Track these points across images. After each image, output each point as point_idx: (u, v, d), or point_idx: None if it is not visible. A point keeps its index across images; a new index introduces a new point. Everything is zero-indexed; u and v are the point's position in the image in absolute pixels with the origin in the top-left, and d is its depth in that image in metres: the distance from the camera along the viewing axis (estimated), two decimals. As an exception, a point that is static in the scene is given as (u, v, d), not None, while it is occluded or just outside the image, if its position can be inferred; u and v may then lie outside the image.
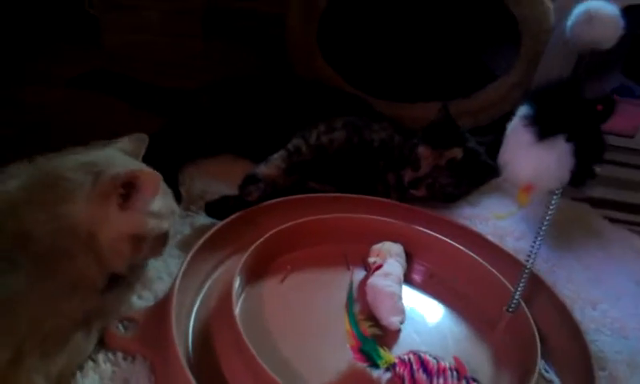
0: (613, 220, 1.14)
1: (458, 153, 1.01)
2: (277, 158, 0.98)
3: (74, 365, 0.60)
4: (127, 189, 0.64)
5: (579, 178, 0.71)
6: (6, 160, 1.01)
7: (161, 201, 0.71)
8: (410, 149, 1.03)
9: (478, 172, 1.03)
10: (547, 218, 0.68)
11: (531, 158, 0.62)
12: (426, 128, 1.07)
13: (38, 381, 0.54)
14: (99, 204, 0.63)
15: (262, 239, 0.78)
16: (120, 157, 0.72)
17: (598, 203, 1.21)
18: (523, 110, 0.64)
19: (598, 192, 1.27)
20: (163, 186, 0.71)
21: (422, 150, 1.02)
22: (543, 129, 0.61)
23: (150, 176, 0.66)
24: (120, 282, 0.71)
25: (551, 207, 0.67)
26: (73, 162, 0.65)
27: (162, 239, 0.74)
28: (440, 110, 1.07)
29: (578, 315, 0.82)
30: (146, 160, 0.77)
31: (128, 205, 0.65)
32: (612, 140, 1.58)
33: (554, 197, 0.66)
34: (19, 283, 0.55)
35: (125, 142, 0.76)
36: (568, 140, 0.61)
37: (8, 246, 0.57)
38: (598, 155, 0.63)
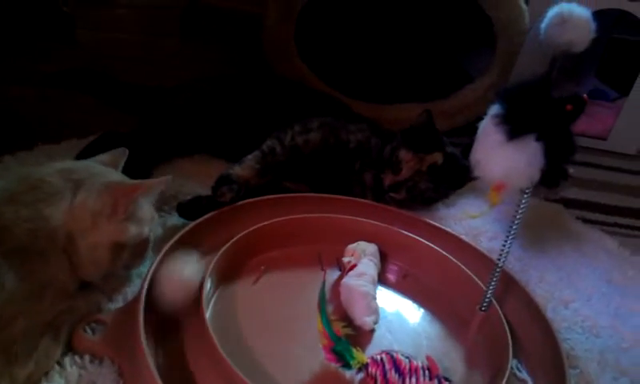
0: (586, 220, 1.16)
1: (438, 157, 1.02)
2: (251, 159, 0.97)
3: (42, 370, 0.58)
4: (130, 201, 0.66)
5: (552, 178, 0.72)
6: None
7: (143, 207, 0.71)
8: (391, 152, 1.03)
9: (457, 176, 1.04)
10: (518, 216, 0.68)
11: (502, 156, 0.62)
12: (406, 131, 1.07)
13: None
14: (91, 213, 0.64)
15: (233, 240, 0.77)
16: (97, 167, 0.71)
17: (571, 204, 1.23)
18: (494, 109, 0.64)
19: (571, 193, 1.29)
20: None
21: (404, 154, 1.02)
22: (513, 128, 0.61)
23: (154, 184, 0.69)
24: (91, 286, 0.70)
25: (522, 206, 0.67)
26: (48, 167, 0.66)
27: (142, 246, 0.73)
28: (421, 115, 1.07)
29: (550, 314, 0.83)
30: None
31: (120, 215, 0.66)
32: (585, 142, 1.61)
33: (525, 196, 0.66)
34: None
35: (104, 156, 0.76)
36: (538, 139, 0.61)
37: None
38: (568, 155, 0.64)
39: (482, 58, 1.59)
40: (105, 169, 0.72)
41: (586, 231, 1.09)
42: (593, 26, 0.98)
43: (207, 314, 0.65)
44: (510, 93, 0.64)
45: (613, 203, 1.29)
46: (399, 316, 0.78)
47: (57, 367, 0.59)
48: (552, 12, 1.01)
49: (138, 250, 0.72)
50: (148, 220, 0.72)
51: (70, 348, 0.62)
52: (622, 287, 0.92)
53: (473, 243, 0.91)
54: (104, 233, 0.65)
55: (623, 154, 1.62)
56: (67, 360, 0.60)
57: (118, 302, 0.71)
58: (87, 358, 0.61)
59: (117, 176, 0.72)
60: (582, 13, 0.99)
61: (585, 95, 0.62)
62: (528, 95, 0.63)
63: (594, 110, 1.72)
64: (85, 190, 0.64)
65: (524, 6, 1.41)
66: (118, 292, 0.73)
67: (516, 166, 0.62)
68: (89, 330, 0.64)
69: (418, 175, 1.01)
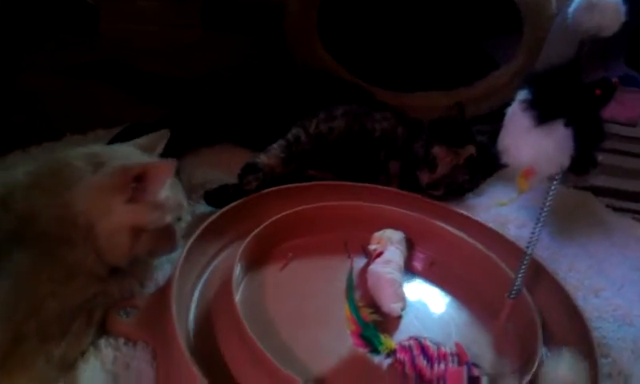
0: (616, 208, 1.14)
1: (472, 149, 1.01)
2: (276, 148, 0.98)
3: (75, 350, 0.60)
4: (138, 182, 0.65)
5: (581, 165, 0.71)
6: (7, 147, 1.02)
7: (166, 192, 0.70)
8: (424, 148, 1.02)
9: (491, 164, 1.03)
10: (547, 204, 0.67)
11: (530, 142, 0.62)
12: (435, 124, 1.06)
13: (39, 363, 0.55)
14: (103, 196, 0.63)
15: (261, 227, 0.78)
16: (123, 149, 0.72)
17: (600, 192, 1.21)
18: (522, 95, 0.63)
19: (600, 181, 1.26)
20: (172, 177, 0.71)
21: (438, 151, 1.01)
22: (542, 113, 0.61)
23: (162, 167, 0.66)
24: (122, 272, 0.71)
25: (551, 193, 0.66)
26: (76, 152, 0.67)
27: (166, 233, 0.71)
28: (452, 107, 1.06)
29: (580, 303, 0.81)
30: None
31: (136, 198, 0.65)
32: (615, 129, 1.57)
33: (554, 182, 0.65)
34: (22, 263, 0.56)
35: (142, 139, 0.76)
36: (567, 124, 0.60)
37: (15, 226, 0.58)
38: (598, 140, 0.62)
39: (507, 44, 1.56)
40: (133, 152, 0.72)
41: (616, 219, 1.07)
42: (622, 9, 0.96)
43: (236, 299, 0.66)
44: (539, 77, 0.63)
45: (642, 190, 1.26)
46: (426, 303, 0.78)
47: (92, 349, 0.61)
48: (579, -4, 0.99)
49: (162, 236, 0.71)
50: (171, 207, 0.70)
51: (105, 331, 0.64)
52: (654, 276, 0.91)
53: (500, 231, 0.90)
54: (119, 216, 0.64)
55: (654, 141, 1.58)
56: (102, 342, 0.62)
57: (151, 288, 0.73)
58: (121, 340, 0.63)
59: (142, 158, 0.71)
60: (612, -3, 0.97)
61: (615, 79, 0.61)
62: (557, 79, 0.62)
63: (623, 96, 1.68)
64: (99, 173, 0.64)
65: (551, -10, 1.38)
66: (149, 277, 0.74)
67: (545, 151, 0.61)
68: (123, 314, 0.66)
69: (455, 169, 1.01)
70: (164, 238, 0.72)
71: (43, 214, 0.60)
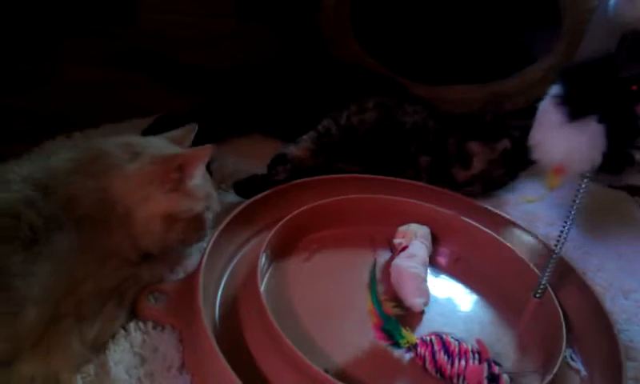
0: (652, 209, 1.10)
1: (507, 143, 1.00)
2: (306, 139, 0.99)
3: (107, 332, 0.63)
4: (178, 172, 0.68)
5: (616, 163, 0.69)
6: (46, 135, 1.07)
7: (197, 182, 0.72)
8: (457, 145, 1.02)
9: (526, 158, 1.02)
10: (577, 202, 0.66)
11: (562, 138, 0.61)
12: (466, 119, 1.05)
13: (74, 342, 0.57)
14: (143, 184, 0.67)
15: (287, 218, 0.79)
16: (155, 141, 0.75)
17: (637, 191, 1.17)
18: (555, 89, 0.62)
19: (637, 180, 1.22)
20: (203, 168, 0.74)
21: (474, 146, 1.00)
22: (574, 109, 0.59)
23: (202, 153, 0.70)
24: (153, 258, 0.74)
25: (581, 192, 0.65)
26: (111, 141, 0.70)
27: (197, 222, 0.74)
28: (488, 102, 1.05)
29: (609, 304, 0.80)
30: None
31: (174, 187, 0.69)
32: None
33: (585, 180, 0.64)
34: (62, 246, 0.59)
35: (174, 132, 0.80)
36: (600, 121, 0.59)
37: (58, 208, 0.61)
38: (633, 138, 0.61)
39: (545, 37, 1.52)
40: (166, 144, 0.75)
41: (652, 220, 1.04)
42: (668, 0, 0.92)
43: (261, 288, 0.68)
44: (572, 72, 0.62)
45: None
46: (450, 299, 0.78)
47: (122, 331, 0.64)
48: (622, -13, 0.96)
49: (193, 225, 0.73)
50: (202, 197, 0.73)
51: (134, 315, 0.66)
52: (688, 279, 0.88)
53: (528, 228, 0.89)
54: (156, 204, 0.68)
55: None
56: (132, 325, 0.64)
57: (179, 274, 0.75)
58: (150, 324, 0.65)
59: (176, 149, 0.74)
60: (657, -15, 0.94)
61: (654, 75, 0.59)
62: (590, 75, 0.61)
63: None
64: (138, 162, 0.68)
65: (592, -18, 1.34)
66: (178, 264, 0.77)
67: (577, 148, 0.60)
68: (152, 299, 0.68)
69: (491, 164, 1.00)
70: (194, 228, 0.74)
71: (83, 199, 0.63)
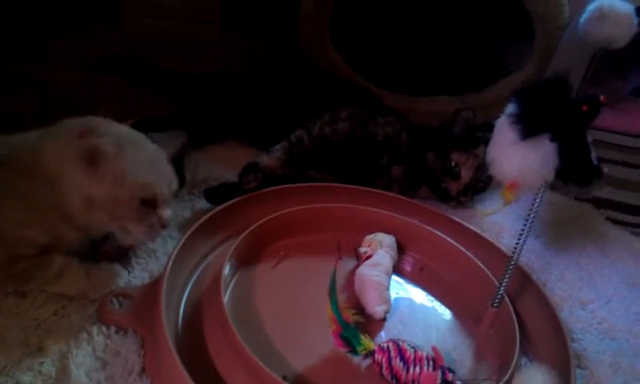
0: (616, 221, 1.14)
1: (484, 148, 1.02)
2: (279, 149, 1.00)
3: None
4: (92, 161, 0.67)
5: (583, 176, 0.71)
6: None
7: (122, 168, 0.68)
8: (440, 158, 1.04)
9: None
10: (532, 216, 0.68)
11: (516, 155, 0.63)
12: (438, 134, 1.07)
13: None
14: (69, 159, 0.67)
15: (253, 226, 0.80)
16: (113, 126, 0.74)
17: (603, 204, 1.20)
18: (510, 108, 0.64)
19: (604, 193, 1.26)
20: (144, 156, 0.72)
21: (458, 157, 1.03)
22: (528, 127, 0.62)
23: (107, 148, 0.67)
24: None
25: (536, 205, 0.68)
26: (79, 119, 0.72)
27: (125, 212, 0.70)
28: (465, 112, 1.07)
29: (566, 314, 0.83)
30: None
31: (91, 174, 0.67)
32: (624, 141, 1.56)
33: (539, 195, 0.67)
34: None
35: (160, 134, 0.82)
36: (552, 139, 0.62)
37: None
38: (582, 156, 0.63)
39: (520, 51, 1.56)
40: (117, 127, 0.75)
41: (614, 232, 1.07)
42: (634, 21, 0.96)
43: (226, 296, 0.69)
44: (527, 92, 0.65)
45: (648, 205, 1.25)
46: (412, 307, 0.80)
47: (85, 335, 0.64)
48: (591, 6, 0.99)
49: (123, 213, 0.69)
50: (130, 183, 0.69)
51: (97, 318, 0.67)
52: (646, 291, 0.91)
53: (492, 240, 0.91)
54: (73, 182, 0.68)
55: (665, 154, 1.56)
56: (95, 329, 0.65)
57: (145, 279, 0.76)
58: (113, 328, 0.66)
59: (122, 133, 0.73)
60: (623, 8, 0.97)
61: (602, 96, 0.62)
62: (544, 95, 0.63)
63: (635, 107, 1.66)
64: (75, 140, 0.68)
65: (564, 0, 1.38)
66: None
67: (530, 165, 0.63)
68: (116, 303, 0.69)
69: (477, 171, 1.03)
70: (127, 218, 0.70)
71: (26, 152, 0.68)
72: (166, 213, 0.73)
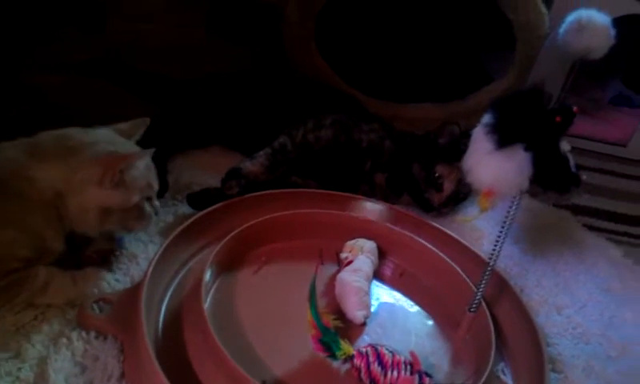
0: (593, 228, 1.16)
1: None
2: (262, 155, 1.01)
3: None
4: (118, 174, 0.71)
5: (562, 184, 0.73)
6: (11, 140, 1.06)
7: (134, 175, 0.75)
8: (426, 171, 1.05)
9: None
10: (507, 223, 0.70)
11: (491, 164, 0.64)
12: (423, 144, 1.08)
13: None
14: (81, 179, 0.70)
15: (234, 232, 0.81)
16: (103, 133, 0.77)
17: (581, 211, 1.23)
18: (485, 118, 0.66)
19: (582, 200, 1.28)
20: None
21: (442, 170, 1.04)
22: (502, 137, 0.63)
23: (139, 155, 0.74)
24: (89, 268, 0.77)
25: (511, 213, 0.69)
26: (49, 133, 0.74)
27: (135, 211, 0.77)
28: (452, 127, 1.07)
29: (542, 319, 0.85)
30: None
31: (113, 186, 0.72)
32: (604, 148, 1.59)
33: (514, 203, 0.68)
34: None
35: (123, 124, 0.83)
36: (527, 149, 0.63)
37: None
38: (556, 165, 0.65)
39: (503, 60, 1.58)
40: (112, 136, 0.78)
41: (590, 239, 1.09)
42: (612, 32, 0.98)
43: (207, 301, 0.70)
44: (502, 103, 0.66)
45: (624, 211, 1.28)
46: (392, 312, 0.81)
47: (64, 340, 0.64)
48: (570, 18, 1.01)
49: (131, 214, 0.77)
50: (139, 188, 0.76)
51: (77, 323, 0.67)
52: (620, 296, 0.93)
53: (471, 246, 0.93)
54: (92, 198, 0.71)
55: (642, 161, 1.59)
56: (74, 334, 0.65)
57: (126, 284, 0.76)
58: (93, 333, 0.66)
59: (120, 146, 0.77)
60: (601, 19, 0.99)
61: (575, 107, 0.63)
62: (518, 106, 0.65)
63: (614, 115, 1.69)
64: (76, 158, 0.71)
65: (544, 10, 1.40)
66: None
67: (504, 174, 0.64)
68: (97, 308, 0.70)
69: (459, 184, 1.04)
70: (133, 217, 0.77)
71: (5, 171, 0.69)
72: (156, 201, 0.82)
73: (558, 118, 0.64)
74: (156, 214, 0.82)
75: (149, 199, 0.80)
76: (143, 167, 0.77)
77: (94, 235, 0.76)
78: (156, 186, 0.80)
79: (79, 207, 0.71)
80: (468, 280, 0.82)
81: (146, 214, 0.79)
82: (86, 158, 0.71)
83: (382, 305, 0.82)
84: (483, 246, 0.99)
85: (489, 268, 0.73)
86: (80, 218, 0.72)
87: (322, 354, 0.66)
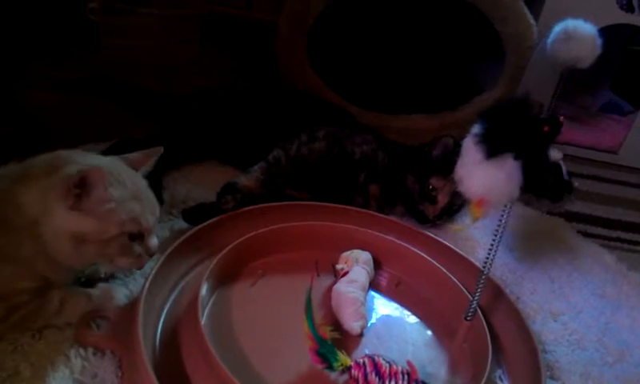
0: (587, 234, 1.17)
1: None
2: (256, 170, 1.01)
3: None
4: (80, 189, 0.64)
5: (555, 191, 0.73)
6: (3, 158, 1.06)
7: (111, 205, 0.66)
8: (420, 184, 1.06)
9: None
10: (500, 231, 0.71)
11: (482, 174, 0.65)
12: (416, 155, 1.09)
13: None
14: (49, 198, 0.65)
15: (230, 246, 0.81)
16: (98, 159, 0.73)
17: (574, 217, 1.24)
18: (475, 128, 0.67)
19: (575, 206, 1.29)
20: (129, 189, 0.69)
21: (436, 182, 1.05)
22: (492, 147, 0.64)
23: (95, 172, 0.64)
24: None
25: (503, 221, 0.70)
26: (42, 156, 0.70)
27: (121, 248, 0.69)
28: (446, 139, 1.08)
29: (538, 326, 0.85)
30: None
31: (77, 206, 0.64)
32: (595, 155, 1.61)
33: (505, 211, 0.69)
34: None
35: (134, 154, 0.77)
36: (516, 158, 0.64)
37: None
38: (545, 173, 0.66)
39: (494, 70, 1.60)
40: (93, 158, 0.73)
41: (584, 245, 1.10)
42: (598, 42, 1.00)
43: (204, 315, 0.70)
44: (491, 112, 0.67)
45: (616, 217, 1.29)
46: (388, 322, 0.82)
47: (62, 357, 0.64)
48: (557, 28, 1.03)
49: (112, 248, 0.68)
50: (117, 221, 0.67)
51: (75, 340, 0.67)
52: (615, 302, 0.94)
53: (466, 255, 0.93)
54: (59, 222, 0.64)
55: (633, 167, 1.61)
56: (72, 352, 0.65)
57: (124, 300, 0.76)
58: (91, 350, 0.66)
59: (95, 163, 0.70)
60: (588, 29, 1.01)
61: (561, 117, 0.65)
62: (507, 116, 0.66)
63: (605, 123, 1.72)
64: (52, 178, 0.65)
65: (532, 21, 1.43)
66: (107, 299, 0.75)
67: (495, 183, 0.65)
68: (94, 325, 0.69)
69: (454, 196, 1.05)
70: (118, 252, 0.69)
71: None
72: (153, 241, 0.72)
73: (545, 128, 0.66)
74: (150, 255, 0.73)
75: (138, 238, 0.70)
76: (124, 196, 0.68)
77: (78, 267, 0.71)
78: (148, 225, 0.71)
79: (51, 232, 0.65)
80: (464, 289, 0.83)
81: (131, 251, 0.70)
82: (59, 177, 0.65)
83: (378, 315, 0.82)
84: (478, 255, 1.01)
85: (483, 275, 0.73)
86: (54, 246, 0.65)
87: (319, 366, 0.66)
